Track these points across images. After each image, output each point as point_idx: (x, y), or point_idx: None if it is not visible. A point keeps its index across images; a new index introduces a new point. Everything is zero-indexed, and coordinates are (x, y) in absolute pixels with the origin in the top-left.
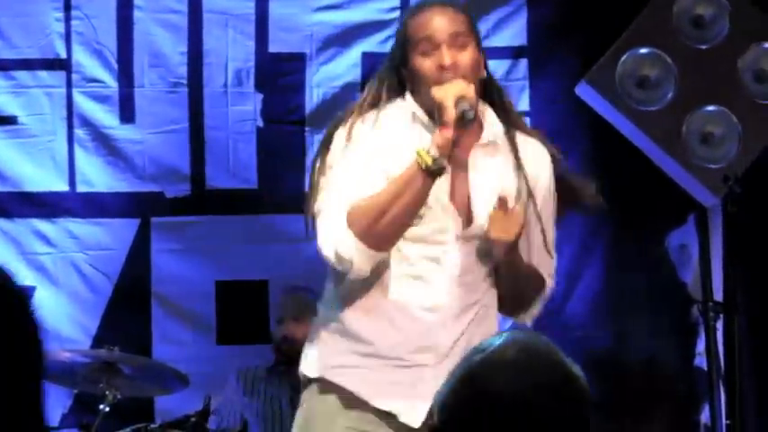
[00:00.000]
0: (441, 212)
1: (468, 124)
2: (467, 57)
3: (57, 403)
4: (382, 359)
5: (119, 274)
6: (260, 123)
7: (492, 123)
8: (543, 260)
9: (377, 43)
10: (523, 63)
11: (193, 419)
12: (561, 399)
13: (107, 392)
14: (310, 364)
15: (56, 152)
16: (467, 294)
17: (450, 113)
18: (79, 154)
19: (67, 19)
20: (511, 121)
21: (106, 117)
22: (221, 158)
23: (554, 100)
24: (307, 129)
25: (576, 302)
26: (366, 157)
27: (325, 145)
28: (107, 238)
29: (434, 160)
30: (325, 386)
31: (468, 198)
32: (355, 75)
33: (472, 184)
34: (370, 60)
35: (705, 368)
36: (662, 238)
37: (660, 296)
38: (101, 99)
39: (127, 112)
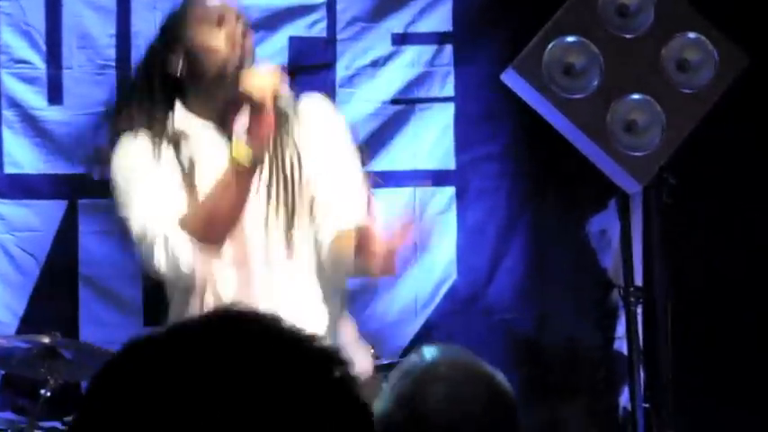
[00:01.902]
0: None
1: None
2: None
3: None
4: None
5: (46, 255)
6: None
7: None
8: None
9: (304, 27)
10: (448, 49)
11: None
12: (493, 413)
13: (48, 377)
14: None
15: None
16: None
17: (269, 107)
18: (7, 135)
19: None
20: None
21: (34, 98)
22: None
23: (479, 86)
24: None
25: (497, 286)
26: (159, 176)
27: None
28: (34, 220)
29: (249, 154)
30: None
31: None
32: (282, 59)
33: None
34: (297, 44)
35: (624, 352)
36: (583, 223)
37: (581, 280)
38: (29, 80)
39: (55, 94)
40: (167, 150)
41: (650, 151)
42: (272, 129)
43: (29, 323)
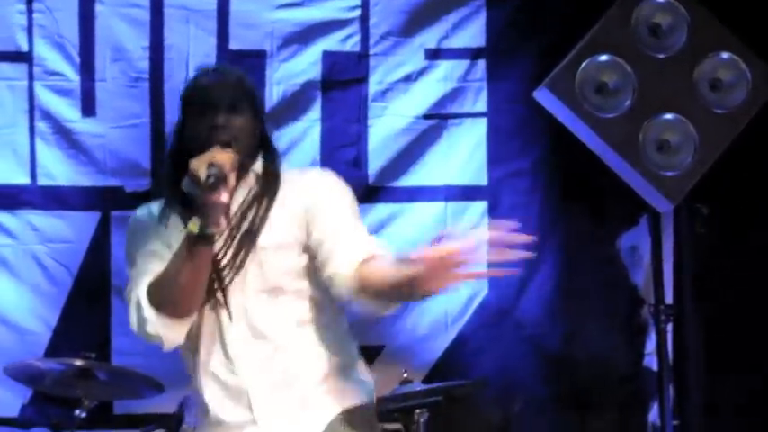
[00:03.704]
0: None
1: (216, 186)
2: (240, 121)
3: (17, 394)
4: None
5: (79, 266)
6: None
7: (258, 169)
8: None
9: (337, 41)
10: (481, 64)
11: (167, 428)
12: None
13: (83, 398)
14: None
15: (17, 145)
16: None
17: (200, 181)
18: (40, 147)
19: (30, 12)
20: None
21: (68, 110)
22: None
23: (511, 101)
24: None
25: (528, 301)
26: (156, 248)
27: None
28: (68, 231)
29: (201, 228)
30: None
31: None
32: (315, 73)
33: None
34: (330, 58)
35: (654, 368)
36: (614, 240)
37: (611, 296)
38: (62, 92)
39: (88, 106)
40: (173, 217)
41: (682, 171)
42: (210, 199)
43: (61, 334)
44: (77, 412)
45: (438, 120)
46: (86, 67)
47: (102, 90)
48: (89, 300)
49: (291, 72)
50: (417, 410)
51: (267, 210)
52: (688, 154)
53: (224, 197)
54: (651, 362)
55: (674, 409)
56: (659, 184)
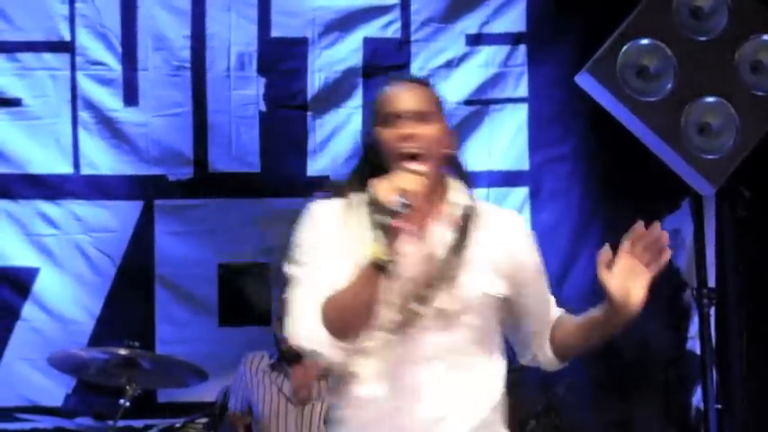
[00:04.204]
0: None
1: (405, 216)
2: (431, 130)
3: (61, 383)
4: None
5: (122, 256)
6: (262, 107)
7: (456, 198)
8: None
9: (378, 28)
10: (522, 49)
11: (211, 416)
12: None
13: (127, 387)
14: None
15: (60, 134)
16: (444, 377)
17: (387, 208)
18: (83, 136)
19: (72, 2)
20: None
21: (110, 100)
22: (224, 142)
23: (552, 86)
24: (309, 113)
25: (570, 286)
26: (333, 252)
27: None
28: (111, 221)
29: (385, 255)
30: None
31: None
32: (357, 59)
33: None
34: (371, 45)
35: (697, 352)
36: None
37: (654, 280)
38: (105, 82)
39: (130, 95)
40: (353, 228)
41: (724, 154)
42: (397, 228)
43: (105, 323)
44: (121, 401)
45: (479, 105)
46: (128, 57)
47: (144, 79)
48: (132, 289)
49: (333, 59)
50: None
51: (466, 249)
52: (729, 137)
53: (411, 227)
54: (694, 345)
55: (717, 393)
56: (701, 168)
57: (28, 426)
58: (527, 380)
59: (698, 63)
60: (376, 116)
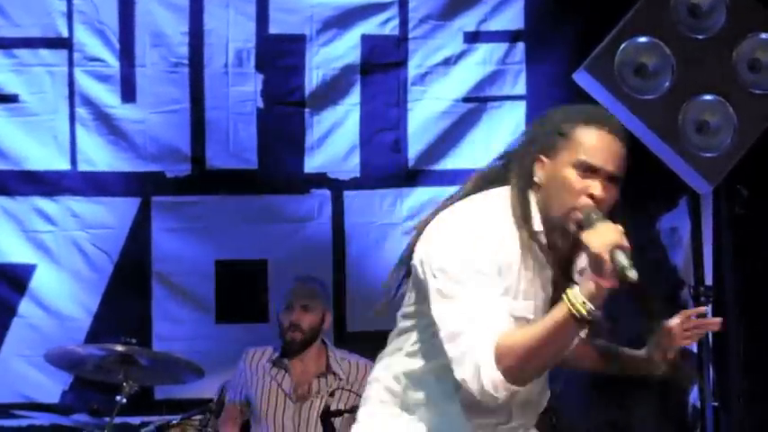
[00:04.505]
0: None
1: (632, 279)
2: (613, 195)
3: (58, 380)
4: None
5: (119, 252)
6: (260, 104)
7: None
8: None
9: (376, 25)
10: (520, 47)
11: (208, 413)
12: None
13: (124, 384)
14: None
15: (57, 131)
16: (526, 415)
17: (608, 266)
18: (80, 133)
19: None
20: None
21: (108, 96)
22: (222, 139)
23: (550, 84)
24: (306, 110)
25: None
26: (497, 279)
27: (452, 251)
28: (108, 217)
29: (590, 312)
30: None
31: None
32: (355, 56)
33: None
34: (369, 42)
35: (694, 350)
36: (654, 221)
37: (651, 278)
38: (102, 78)
39: (128, 92)
40: (526, 257)
41: (721, 152)
42: (610, 286)
43: (102, 320)
44: (118, 398)
45: (477, 103)
46: (126, 53)
47: (141, 76)
48: (129, 285)
49: (331, 56)
50: None
51: None
52: (727, 135)
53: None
54: (691, 344)
55: (713, 391)
56: (699, 166)
57: (24, 422)
58: None
59: (696, 61)
60: (565, 150)
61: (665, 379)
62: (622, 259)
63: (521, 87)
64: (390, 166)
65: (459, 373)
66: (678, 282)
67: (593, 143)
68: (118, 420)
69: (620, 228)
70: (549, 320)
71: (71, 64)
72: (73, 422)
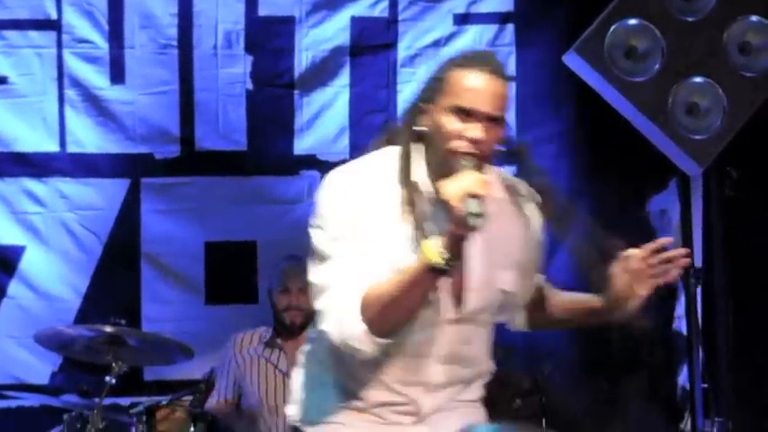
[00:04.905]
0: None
1: (477, 227)
2: (495, 135)
3: (47, 361)
4: (363, 413)
5: (108, 233)
6: (249, 86)
7: (495, 192)
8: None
9: (366, 7)
10: (510, 29)
11: (197, 394)
12: None
13: (113, 364)
14: (295, 412)
15: (46, 112)
16: (455, 371)
17: (459, 215)
18: (69, 114)
19: None
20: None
21: (96, 78)
22: (211, 120)
23: (540, 66)
24: (296, 92)
25: (556, 265)
26: (370, 232)
27: (332, 204)
28: (97, 199)
29: (445, 261)
30: None
31: (462, 279)
32: (344, 38)
33: (469, 264)
34: (358, 24)
35: (684, 332)
36: (643, 203)
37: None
38: (91, 60)
39: (117, 73)
40: (402, 208)
41: (711, 134)
42: (461, 234)
43: (91, 301)
44: (107, 379)
45: None
46: (115, 35)
47: (130, 57)
48: (119, 267)
49: (320, 38)
50: None
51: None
52: (717, 117)
53: (478, 231)
54: (681, 325)
55: (703, 372)
56: (688, 148)
57: (14, 403)
58: (513, 359)
59: (686, 43)
60: (442, 95)
61: (653, 361)
62: (472, 206)
63: (510, 69)
64: None
65: (325, 326)
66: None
67: (467, 86)
68: (107, 401)
69: (481, 176)
70: (407, 271)
71: (60, 46)
72: (62, 403)
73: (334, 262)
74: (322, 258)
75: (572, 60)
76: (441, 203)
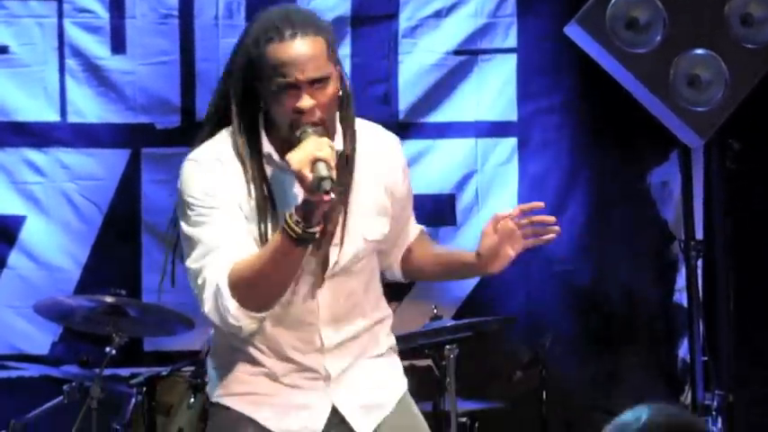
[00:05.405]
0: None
1: (329, 190)
2: (326, 94)
3: (47, 331)
4: (276, 382)
5: (109, 204)
6: None
7: (338, 146)
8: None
9: None
10: (512, 0)
11: (198, 365)
12: None
13: (113, 335)
14: (210, 388)
15: (47, 82)
16: (346, 328)
17: (308, 182)
18: (70, 84)
19: None
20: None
21: (97, 47)
22: (212, 90)
23: (541, 37)
24: None
25: (558, 237)
26: (229, 209)
27: (186, 191)
28: (98, 169)
29: (304, 231)
30: (221, 410)
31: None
32: (345, 9)
33: (330, 221)
34: None
35: (684, 304)
36: (644, 175)
37: (641, 232)
38: (92, 29)
39: (118, 43)
40: (252, 181)
41: (712, 106)
42: (315, 200)
43: (92, 271)
44: (107, 349)
45: (468, 56)
46: (116, 4)
47: (131, 27)
48: (119, 237)
49: (321, 8)
50: (448, 346)
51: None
52: (719, 89)
53: (332, 196)
54: (681, 298)
55: (703, 345)
56: (690, 120)
57: (14, 374)
58: (513, 332)
59: (688, 15)
60: (262, 77)
61: (654, 332)
62: (321, 170)
63: (512, 40)
64: (380, 118)
65: (203, 308)
66: (668, 236)
67: (281, 60)
68: (107, 372)
69: (324, 140)
70: (271, 243)
71: (61, 15)
72: (62, 373)
73: (202, 245)
74: (190, 245)
75: (573, 32)
76: (290, 174)
